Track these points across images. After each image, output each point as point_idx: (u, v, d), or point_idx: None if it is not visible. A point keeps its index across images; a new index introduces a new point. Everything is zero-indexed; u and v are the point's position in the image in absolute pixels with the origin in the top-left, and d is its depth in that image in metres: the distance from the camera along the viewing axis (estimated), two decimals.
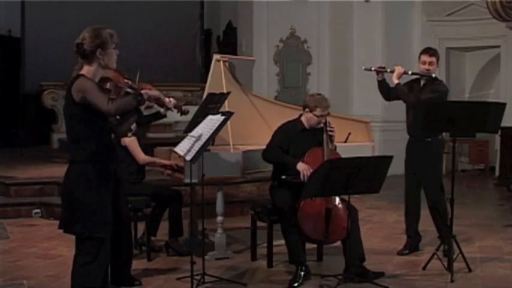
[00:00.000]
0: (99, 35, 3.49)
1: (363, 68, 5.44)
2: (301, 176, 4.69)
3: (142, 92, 3.62)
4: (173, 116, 5.24)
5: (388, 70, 5.34)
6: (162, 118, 5.22)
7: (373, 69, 5.36)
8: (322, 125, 4.89)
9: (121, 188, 4.39)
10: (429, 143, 5.32)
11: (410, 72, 5.32)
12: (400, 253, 5.47)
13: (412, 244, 5.53)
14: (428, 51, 5.38)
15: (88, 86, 3.40)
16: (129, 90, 3.90)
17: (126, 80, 3.99)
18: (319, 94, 5.05)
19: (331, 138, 4.89)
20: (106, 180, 3.53)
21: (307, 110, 4.93)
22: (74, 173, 3.48)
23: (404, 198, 5.59)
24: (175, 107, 4.70)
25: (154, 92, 3.75)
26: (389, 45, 10.55)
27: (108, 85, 3.81)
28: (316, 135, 4.93)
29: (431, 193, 5.36)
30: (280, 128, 5.02)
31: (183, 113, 4.90)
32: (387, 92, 5.49)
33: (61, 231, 3.68)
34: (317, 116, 4.87)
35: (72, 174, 3.49)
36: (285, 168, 4.91)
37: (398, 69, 5.30)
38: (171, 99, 4.81)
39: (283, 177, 4.91)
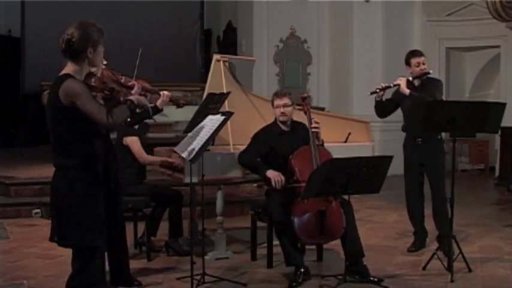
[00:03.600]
0: (91, 34, 3.28)
1: (369, 93, 5.47)
2: (273, 183, 4.71)
3: (133, 98, 3.50)
4: (173, 115, 5.26)
5: (392, 85, 5.39)
6: (159, 112, 5.04)
7: (378, 90, 5.40)
8: (287, 118, 4.92)
9: (118, 188, 4.39)
10: (439, 140, 5.42)
11: (411, 78, 5.39)
12: (409, 250, 5.50)
13: (420, 241, 5.57)
14: (417, 52, 5.50)
15: (79, 91, 3.19)
16: (114, 85, 3.81)
17: (110, 75, 3.94)
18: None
19: (317, 135, 4.88)
20: (97, 185, 3.38)
21: (273, 109, 5.01)
22: (63, 181, 3.30)
23: (407, 197, 5.61)
24: (170, 100, 4.78)
25: (142, 99, 3.62)
26: (389, 45, 10.56)
27: (92, 80, 3.73)
28: (300, 134, 4.93)
29: (441, 190, 5.40)
30: (258, 132, 5.03)
31: (179, 105, 4.94)
32: (384, 109, 5.59)
33: None
34: (277, 107, 4.91)
35: (61, 183, 3.31)
36: (256, 173, 4.95)
37: (403, 81, 5.34)
38: (165, 92, 4.84)
39: (254, 185, 4.92)
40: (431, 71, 5.46)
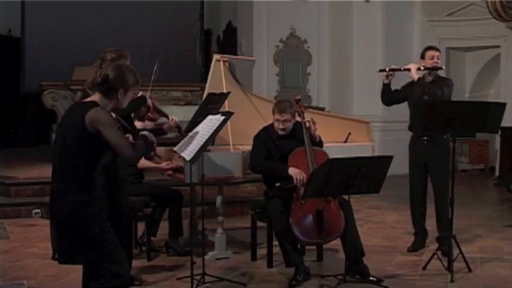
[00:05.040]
0: (127, 77, 3.37)
1: (378, 70, 5.53)
2: (295, 181, 4.67)
3: (146, 134, 3.53)
4: (173, 115, 5.26)
5: (402, 69, 5.42)
6: (163, 135, 5.16)
7: (387, 69, 5.44)
8: (283, 132, 4.90)
9: (121, 187, 4.40)
10: (444, 140, 5.40)
11: (422, 68, 5.40)
12: (409, 250, 5.51)
13: (420, 241, 5.58)
14: (434, 47, 5.57)
15: (107, 121, 3.25)
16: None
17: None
18: (281, 101, 5.04)
19: (310, 130, 4.85)
20: (99, 202, 3.39)
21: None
22: (78, 204, 3.26)
23: (410, 197, 5.61)
24: (176, 127, 5.05)
25: (152, 137, 3.60)
26: (389, 45, 10.56)
27: None
28: (298, 135, 4.91)
29: (445, 191, 5.37)
30: (258, 135, 5.01)
31: (181, 133, 5.13)
32: (390, 95, 5.59)
33: None
34: (277, 121, 4.89)
35: (74, 206, 3.25)
36: (274, 175, 4.89)
37: (414, 66, 5.40)
38: (174, 118, 4.97)
39: (277, 184, 4.87)
40: (443, 67, 5.49)
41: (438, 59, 5.43)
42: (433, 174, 5.46)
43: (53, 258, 3.50)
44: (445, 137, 5.47)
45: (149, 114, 4.80)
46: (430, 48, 5.54)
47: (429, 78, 5.42)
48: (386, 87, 5.55)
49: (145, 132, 3.57)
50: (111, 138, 3.25)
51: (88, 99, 3.37)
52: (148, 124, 5.20)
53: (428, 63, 5.42)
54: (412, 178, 5.58)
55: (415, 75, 5.35)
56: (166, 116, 5.04)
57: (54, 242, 3.44)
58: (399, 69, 5.44)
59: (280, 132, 4.92)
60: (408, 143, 5.63)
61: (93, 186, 3.34)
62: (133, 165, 4.60)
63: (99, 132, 3.23)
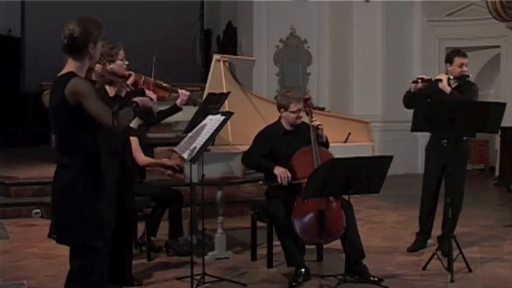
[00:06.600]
0: (91, 29, 3.25)
1: (411, 81, 5.32)
2: (279, 180, 4.68)
3: (137, 100, 3.45)
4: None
5: (434, 80, 5.23)
6: (179, 111, 5.05)
7: (420, 80, 5.24)
8: (300, 121, 4.89)
9: (129, 186, 4.40)
10: (464, 142, 5.32)
11: (452, 77, 5.26)
12: (410, 250, 5.50)
13: (421, 241, 5.57)
14: (463, 53, 5.38)
15: (86, 91, 3.14)
16: (111, 77, 3.85)
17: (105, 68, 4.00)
18: (289, 91, 5.06)
19: (317, 131, 4.85)
20: (102, 183, 3.33)
21: (282, 110, 4.93)
22: (67, 178, 3.23)
23: (422, 198, 5.57)
24: (189, 99, 4.93)
25: (147, 102, 3.52)
26: (389, 45, 10.57)
27: (93, 75, 3.75)
28: (303, 134, 4.90)
29: (461, 191, 5.35)
30: (260, 133, 5.00)
31: (197, 104, 5.09)
32: (413, 100, 5.31)
33: None
34: (293, 112, 4.87)
35: (65, 181, 3.24)
36: (262, 171, 4.91)
37: (444, 77, 5.20)
38: (183, 91, 4.88)
39: (260, 182, 4.91)
40: (470, 75, 5.37)
41: (466, 66, 5.29)
42: (449, 177, 5.26)
43: (48, 236, 3.47)
44: (465, 138, 5.33)
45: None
46: (459, 54, 5.33)
47: (454, 84, 5.27)
48: (411, 95, 5.33)
49: (137, 99, 3.46)
50: (91, 108, 3.15)
51: (64, 70, 3.26)
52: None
53: (457, 70, 5.27)
54: (427, 180, 5.52)
55: (447, 88, 5.12)
56: (176, 91, 4.96)
57: (53, 220, 3.41)
58: (431, 80, 5.22)
59: (298, 122, 4.91)
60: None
61: (91, 160, 3.26)
62: (119, 133, 4.46)
63: (80, 104, 3.14)
